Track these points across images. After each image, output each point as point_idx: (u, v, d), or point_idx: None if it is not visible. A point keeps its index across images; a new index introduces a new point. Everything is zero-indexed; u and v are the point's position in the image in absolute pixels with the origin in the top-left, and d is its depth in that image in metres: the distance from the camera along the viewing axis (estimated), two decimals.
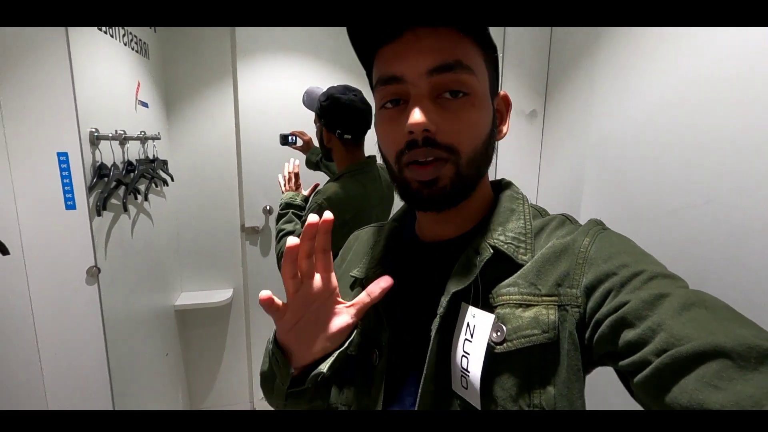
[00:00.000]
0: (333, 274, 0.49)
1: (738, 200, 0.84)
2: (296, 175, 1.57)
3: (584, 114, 1.37)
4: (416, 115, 0.44)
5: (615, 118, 1.22)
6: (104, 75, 1.42)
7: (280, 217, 1.46)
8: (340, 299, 0.50)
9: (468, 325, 0.46)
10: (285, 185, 1.56)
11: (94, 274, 1.23)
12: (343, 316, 0.49)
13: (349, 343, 0.50)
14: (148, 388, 1.75)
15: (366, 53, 0.50)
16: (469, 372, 0.44)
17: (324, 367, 0.48)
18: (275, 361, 0.51)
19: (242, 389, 2.43)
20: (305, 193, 1.54)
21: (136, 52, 1.68)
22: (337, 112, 1.32)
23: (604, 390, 0.90)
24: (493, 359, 0.44)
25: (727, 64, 0.87)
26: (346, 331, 0.50)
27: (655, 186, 1.07)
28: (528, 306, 0.45)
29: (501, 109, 0.53)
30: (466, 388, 0.45)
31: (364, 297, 0.50)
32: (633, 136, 1.15)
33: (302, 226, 1.29)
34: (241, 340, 2.35)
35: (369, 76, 0.53)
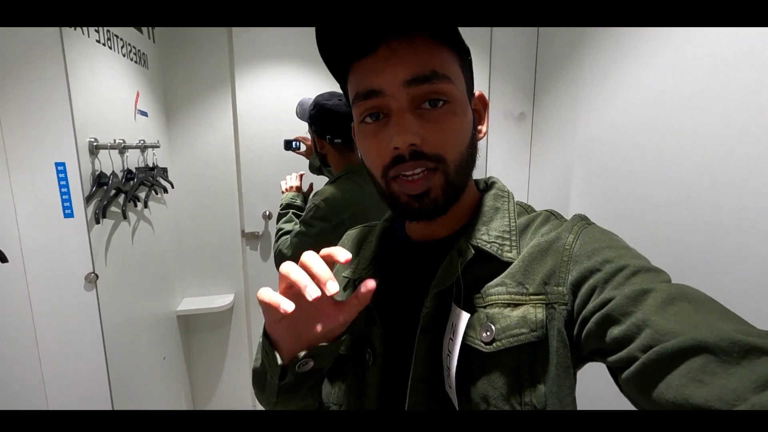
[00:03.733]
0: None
1: (715, 196, 0.86)
2: (300, 176, 1.61)
3: (571, 115, 1.38)
4: (400, 131, 0.44)
5: (599, 119, 1.23)
6: (103, 86, 1.45)
7: (280, 216, 1.49)
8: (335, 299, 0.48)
9: (452, 324, 0.46)
10: (285, 187, 1.59)
11: (92, 280, 1.26)
12: (334, 315, 0.47)
13: (340, 341, 0.49)
14: (150, 393, 1.77)
15: (339, 68, 0.50)
16: (450, 370, 0.45)
17: (308, 355, 0.46)
18: (264, 354, 0.50)
19: (245, 394, 2.44)
20: (305, 190, 1.57)
21: (135, 62, 1.72)
22: (324, 118, 1.35)
23: (593, 387, 0.91)
24: (483, 359, 0.45)
25: (705, 65, 0.88)
26: (337, 330, 0.48)
27: (638, 184, 1.08)
28: (516, 305, 0.45)
29: (479, 110, 0.53)
30: (451, 388, 0.45)
31: (352, 299, 0.47)
32: (616, 136, 1.16)
33: (301, 226, 1.33)
34: (243, 345, 2.37)
35: (344, 89, 0.53)
